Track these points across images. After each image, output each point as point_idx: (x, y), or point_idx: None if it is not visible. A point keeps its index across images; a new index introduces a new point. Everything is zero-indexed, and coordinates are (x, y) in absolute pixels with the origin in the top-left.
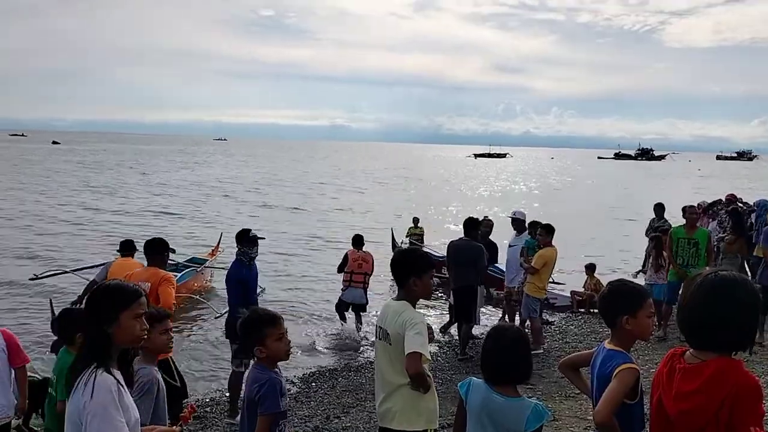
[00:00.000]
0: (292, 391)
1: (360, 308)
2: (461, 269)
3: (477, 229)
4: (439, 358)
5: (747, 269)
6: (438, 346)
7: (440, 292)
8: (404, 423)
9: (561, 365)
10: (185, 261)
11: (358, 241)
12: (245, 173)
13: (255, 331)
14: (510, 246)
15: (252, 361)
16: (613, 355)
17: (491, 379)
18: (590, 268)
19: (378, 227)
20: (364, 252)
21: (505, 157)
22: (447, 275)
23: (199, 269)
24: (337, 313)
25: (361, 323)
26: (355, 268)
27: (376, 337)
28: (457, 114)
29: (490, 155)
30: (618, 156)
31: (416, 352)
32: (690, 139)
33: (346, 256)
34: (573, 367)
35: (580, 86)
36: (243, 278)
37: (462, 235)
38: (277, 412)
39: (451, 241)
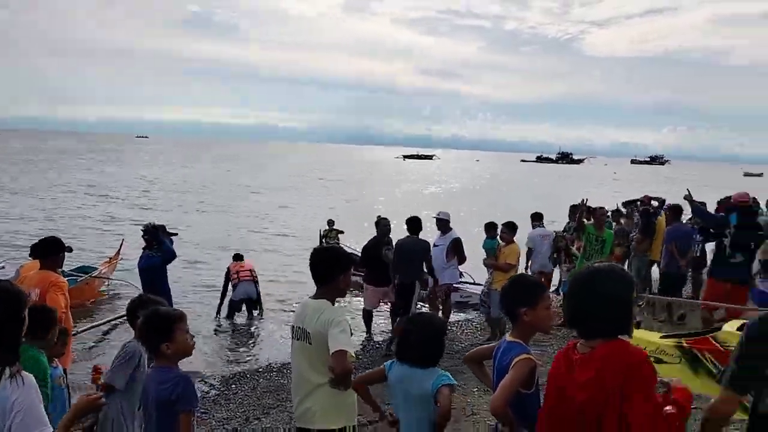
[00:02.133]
0: (210, 394)
1: (252, 304)
2: (405, 266)
3: (420, 226)
4: (366, 353)
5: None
6: (364, 340)
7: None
8: (324, 422)
9: (466, 359)
10: (71, 270)
11: (237, 257)
12: (164, 173)
13: (164, 327)
14: (434, 245)
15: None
16: (513, 346)
17: (407, 360)
18: None
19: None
20: (244, 262)
21: (432, 158)
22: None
23: (83, 279)
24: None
25: (254, 318)
26: (238, 268)
27: (293, 338)
28: (387, 116)
29: (418, 157)
30: (540, 159)
31: (342, 350)
32: (609, 145)
33: (228, 271)
34: (477, 360)
35: (507, 92)
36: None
37: (407, 234)
38: (197, 407)
39: (398, 240)
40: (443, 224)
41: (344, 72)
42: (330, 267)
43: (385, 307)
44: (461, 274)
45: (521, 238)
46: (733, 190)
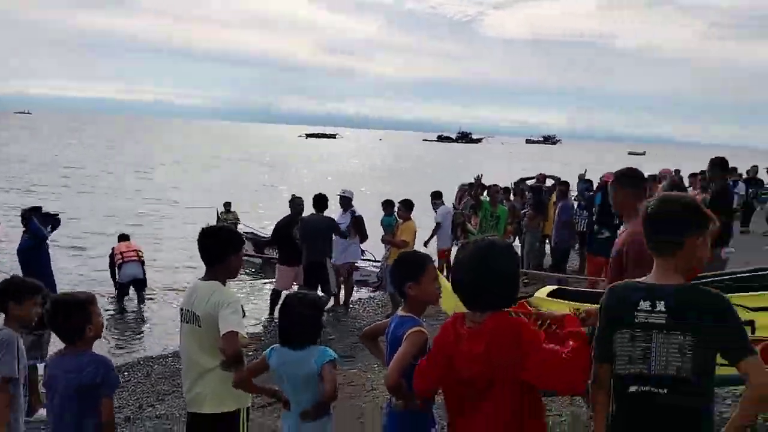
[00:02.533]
0: None
1: (140, 285)
2: (313, 243)
3: (326, 204)
4: (267, 335)
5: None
6: (265, 321)
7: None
8: (216, 406)
9: (361, 336)
10: None
11: (123, 237)
12: (44, 151)
13: (82, 311)
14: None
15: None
16: (405, 321)
17: (287, 343)
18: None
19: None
20: (129, 243)
21: (335, 137)
22: (269, 255)
23: None
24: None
25: (143, 302)
26: (123, 249)
27: (182, 321)
28: (290, 93)
29: (322, 135)
30: (441, 139)
31: (233, 332)
32: (504, 124)
33: (112, 252)
34: (372, 337)
35: (407, 70)
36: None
37: (312, 212)
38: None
39: (303, 217)
40: (346, 202)
41: (245, 48)
42: (220, 247)
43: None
44: (363, 252)
45: (417, 215)
46: (618, 168)
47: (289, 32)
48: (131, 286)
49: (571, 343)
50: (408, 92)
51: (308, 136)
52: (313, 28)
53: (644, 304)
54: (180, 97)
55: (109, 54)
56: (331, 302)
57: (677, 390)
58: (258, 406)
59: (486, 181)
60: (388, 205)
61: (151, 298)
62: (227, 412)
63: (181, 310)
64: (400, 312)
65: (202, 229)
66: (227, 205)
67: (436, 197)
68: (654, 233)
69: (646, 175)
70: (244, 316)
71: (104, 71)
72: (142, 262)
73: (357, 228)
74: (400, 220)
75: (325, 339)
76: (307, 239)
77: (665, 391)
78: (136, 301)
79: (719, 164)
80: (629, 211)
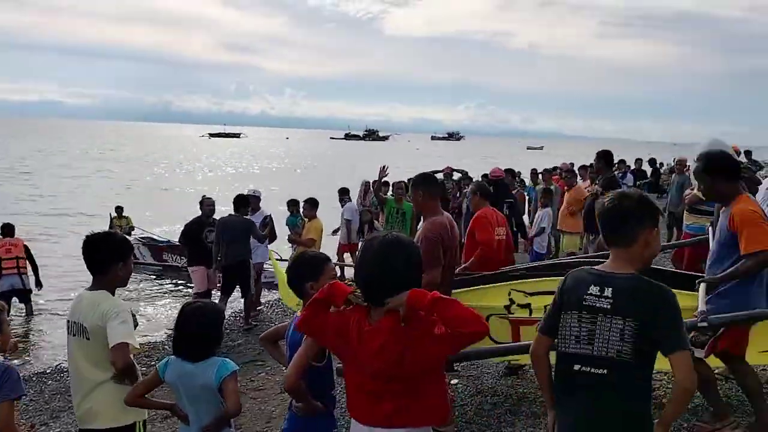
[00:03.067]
0: None
1: (23, 296)
2: (233, 245)
3: (246, 205)
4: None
5: None
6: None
7: (165, 277)
8: (110, 420)
9: (261, 339)
10: None
11: (8, 229)
12: None
13: None
14: None
15: None
16: None
17: (183, 355)
18: None
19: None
20: (14, 239)
21: (239, 137)
22: (172, 265)
23: None
24: None
25: (32, 313)
26: (2, 254)
27: (69, 333)
28: (188, 92)
29: (225, 135)
30: (348, 137)
31: (123, 343)
32: (409, 121)
33: None
34: (272, 339)
35: (312, 68)
36: None
37: (231, 212)
38: (22, 395)
39: (221, 218)
40: (255, 201)
41: (141, 44)
42: (106, 255)
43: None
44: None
45: (322, 214)
46: (518, 163)
47: (188, 28)
48: (14, 297)
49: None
50: (314, 90)
51: (211, 135)
52: (213, 24)
53: (594, 289)
54: (70, 96)
55: None
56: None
57: (616, 371)
58: (163, 418)
59: (395, 178)
60: (293, 204)
61: (43, 309)
62: (123, 427)
63: (68, 322)
64: (299, 312)
65: (86, 236)
66: (119, 209)
67: (343, 194)
68: (611, 227)
69: (544, 168)
70: (136, 326)
71: None
72: (21, 273)
73: (267, 228)
74: (306, 219)
75: (234, 344)
76: (227, 240)
77: (605, 371)
78: (25, 313)
79: (604, 157)
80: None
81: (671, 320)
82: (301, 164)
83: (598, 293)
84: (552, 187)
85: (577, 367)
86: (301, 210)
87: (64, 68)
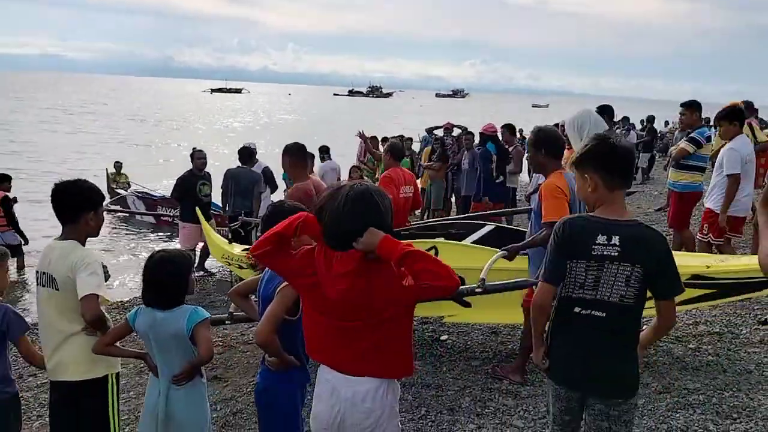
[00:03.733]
0: None
1: (15, 250)
2: (240, 196)
3: (252, 157)
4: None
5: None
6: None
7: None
8: (81, 372)
9: (231, 292)
10: None
11: (2, 179)
12: None
13: None
14: None
15: None
16: (277, 275)
17: (153, 303)
18: None
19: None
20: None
21: (240, 92)
22: (164, 214)
23: None
24: None
25: (23, 267)
26: None
27: (39, 284)
28: (190, 46)
29: (227, 90)
30: (351, 93)
31: (93, 294)
32: (413, 78)
33: None
34: (243, 293)
35: (314, 23)
36: None
37: (239, 164)
38: (28, 329)
39: (229, 170)
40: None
41: None
42: (76, 203)
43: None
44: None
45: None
46: (523, 121)
47: None
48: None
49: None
50: (317, 46)
51: (213, 91)
52: None
53: (601, 238)
54: (71, 50)
55: None
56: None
57: (616, 315)
58: (138, 371)
59: (400, 133)
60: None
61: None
62: (94, 379)
63: (37, 272)
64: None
65: (55, 184)
66: (118, 165)
67: (324, 152)
68: (626, 169)
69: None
70: (107, 278)
71: None
72: (12, 224)
73: (268, 180)
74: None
75: (227, 299)
76: (235, 191)
77: (604, 314)
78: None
79: (605, 111)
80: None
81: (672, 267)
82: (303, 120)
83: (606, 242)
84: None
85: (577, 309)
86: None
87: (64, 21)
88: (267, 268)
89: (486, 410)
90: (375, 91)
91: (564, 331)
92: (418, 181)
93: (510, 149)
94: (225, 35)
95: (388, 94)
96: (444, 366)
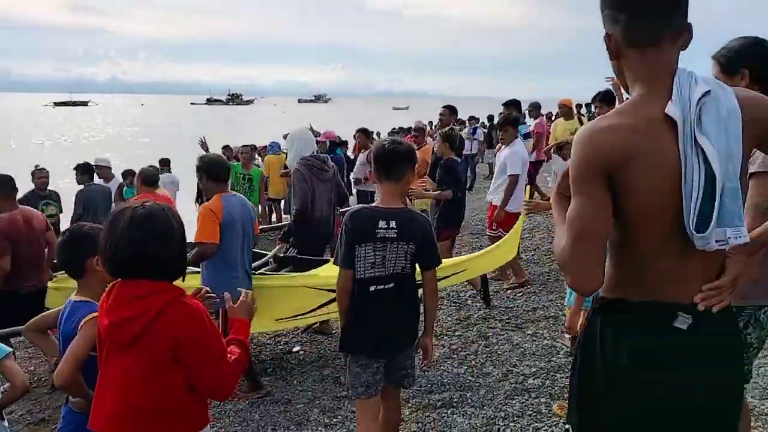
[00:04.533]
0: None
1: None
2: (96, 216)
3: (91, 172)
4: None
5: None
6: None
7: None
8: None
9: (25, 329)
10: None
11: None
12: None
13: None
14: None
15: None
16: (79, 306)
17: None
18: None
19: None
20: None
21: (87, 105)
22: None
23: None
24: None
25: None
26: None
27: None
28: (30, 57)
29: (72, 104)
30: (210, 101)
31: None
32: (275, 84)
33: None
34: (40, 329)
35: (168, 29)
36: None
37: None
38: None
39: (81, 190)
40: (107, 171)
41: None
42: None
43: None
44: None
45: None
46: (383, 123)
47: None
48: None
49: (235, 350)
50: (171, 54)
51: (56, 104)
52: None
53: (382, 223)
54: None
55: None
56: None
57: (401, 282)
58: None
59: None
60: (128, 174)
61: None
62: None
63: None
64: (73, 297)
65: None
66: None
67: (164, 164)
68: (390, 166)
69: (399, 126)
70: None
71: None
72: None
73: (121, 196)
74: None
75: None
76: (92, 211)
77: (392, 285)
78: None
79: (449, 109)
80: None
81: (433, 243)
82: (155, 132)
83: (386, 226)
84: None
85: (372, 288)
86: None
87: None
88: (68, 299)
89: (334, 420)
90: (235, 99)
91: (364, 307)
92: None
93: (365, 153)
94: (69, 45)
95: (249, 102)
96: (295, 379)
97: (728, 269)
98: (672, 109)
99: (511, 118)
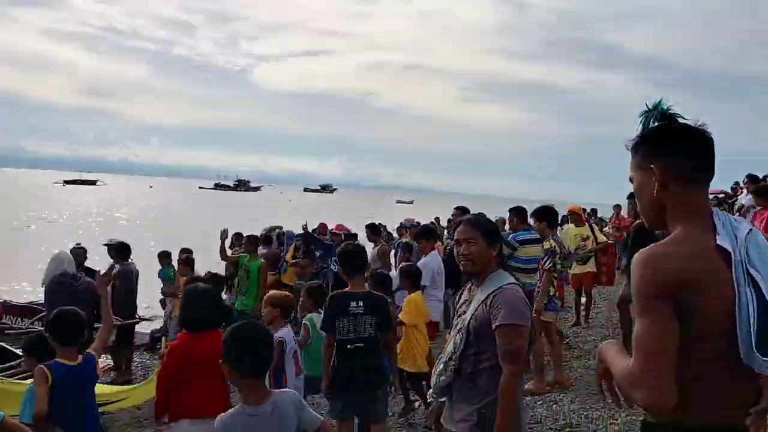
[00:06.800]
0: None
1: None
2: (134, 296)
3: (129, 252)
4: None
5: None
6: None
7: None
8: None
9: None
10: None
11: None
12: None
13: None
14: None
15: None
16: None
17: None
18: None
19: None
20: None
21: (95, 183)
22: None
23: None
24: None
25: None
26: None
27: None
28: (43, 137)
29: (81, 182)
30: (218, 186)
31: None
32: (281, 173)
33: None
34: None
35: (180, 117)
36: None
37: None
38: None
39: (125, 267)
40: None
41: None
42: None
43: None
44: None
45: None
46: (390, 217)
47: (39, 70)
48: None
49: None
50: (182, 140)
51: (66, 182)
52: (67, 67)
53: (353, 303)
54: None
55: None
56: None
57: (369, 343)
58: None
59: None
60: (164, 256)
61: None
62: None
63: None
64: None
65: None
66: None
67: (164, 257)
68: (359, 265)
69: (400, 222)
70: None
71: None
72: None
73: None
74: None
75: None
76: (131, 291)
77: (363, 344)
78: None
79: (462, 211)
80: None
81: (387, 314)
82: (166, 214)
83: (356, 305)
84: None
85: (350, 346)
86: (178, 260)
87: None
88: None
89: None
90: (242, 185)
91: (343, 360)
92: (283, 276)
93: (375, 248)
94: (81, 127)
95: (257, 188)
96: None
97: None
98: (723, 242)
99: (427, 229)
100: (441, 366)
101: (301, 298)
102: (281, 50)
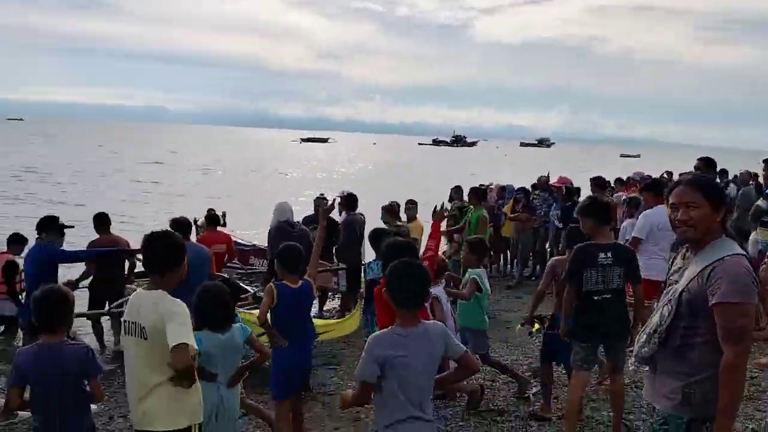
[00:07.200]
0: None
1: (7, 321)
2: (361, 244)
3: (356, 203)
4: None
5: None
6: None
7: (251, 282)
8: (166, 423)
9: None
10: None
11: (15, 239)
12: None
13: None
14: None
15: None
16: None
17: (212, 328)
18: None
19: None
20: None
21: (327, 141)
22: (253, 266)
23: None
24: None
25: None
26: None
27: (126, 333)
28: (282, 99)
29: (315, 140)
30: (436, 142)
31: (183, 344)
32: (498, 127)
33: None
34: None
35: (401, 75)
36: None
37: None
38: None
39: (354, 216)
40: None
41: (235, 52)
42: (167, 255)
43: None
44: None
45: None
46: (610, 170)
47: (279, 37)
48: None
49: None
50: (402, 97)
51: (302, 140)
52: (303, 32)
53: (602, 254)
54: (172, 102)
55: (99, 60)
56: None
57: (617, 295)
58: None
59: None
60: (389, 210)
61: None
62: (178, 430)
63: (125, 321)
64: None
65: (146, 235)
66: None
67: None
68: (604, 215)
69: (617, 177)
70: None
71: (94, 77)
72: (14, 295)
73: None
74: (406, 220)
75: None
76: (359, 239)
77: (610, 296)
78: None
79: (707, 163)
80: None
81: (636, 265)
82: (393, 169)
83: (605, 256)
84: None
85: (597, 297)
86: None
87: (166, 76)
88: None
89: None
90: (459, 141)
91: (584, 309)
92: (503, 229)
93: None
94: (313, 88)
95: (473, 143)
96: None
97: None
98: None
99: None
100: (644, 337)
101: (462, 253)
102: (503, 1)
